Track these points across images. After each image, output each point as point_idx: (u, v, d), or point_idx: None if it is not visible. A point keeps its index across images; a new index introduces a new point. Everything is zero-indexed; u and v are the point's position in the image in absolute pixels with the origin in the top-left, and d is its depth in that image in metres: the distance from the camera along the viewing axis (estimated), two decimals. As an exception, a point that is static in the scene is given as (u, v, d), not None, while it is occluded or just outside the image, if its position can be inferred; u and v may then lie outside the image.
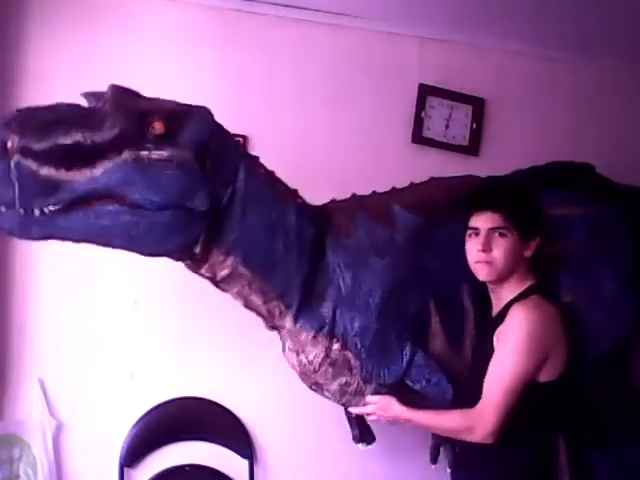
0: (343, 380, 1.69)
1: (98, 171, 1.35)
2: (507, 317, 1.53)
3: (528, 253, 1.59)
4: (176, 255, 1.55)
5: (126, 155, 1.37)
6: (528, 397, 1.49)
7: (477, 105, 2.43)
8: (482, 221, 1.58)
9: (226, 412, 2.25)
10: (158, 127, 1.39)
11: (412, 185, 1.89)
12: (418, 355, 1.66)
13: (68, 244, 1.42)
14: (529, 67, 2.47)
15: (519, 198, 1.62)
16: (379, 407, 1.67)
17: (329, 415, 2.12)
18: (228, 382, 2.25)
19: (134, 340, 2.21)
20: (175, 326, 2.22)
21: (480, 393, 1.51)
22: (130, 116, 1.38)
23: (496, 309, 1.62)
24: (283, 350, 1.76)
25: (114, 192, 1.37)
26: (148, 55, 2.22)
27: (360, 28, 2.36)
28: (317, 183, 2.25)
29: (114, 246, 1.44)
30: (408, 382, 1.67)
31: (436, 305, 1.69)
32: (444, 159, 2.39)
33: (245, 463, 2.24)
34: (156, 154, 1.39)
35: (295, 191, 1.69)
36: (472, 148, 2.43)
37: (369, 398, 1.69)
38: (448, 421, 1.56)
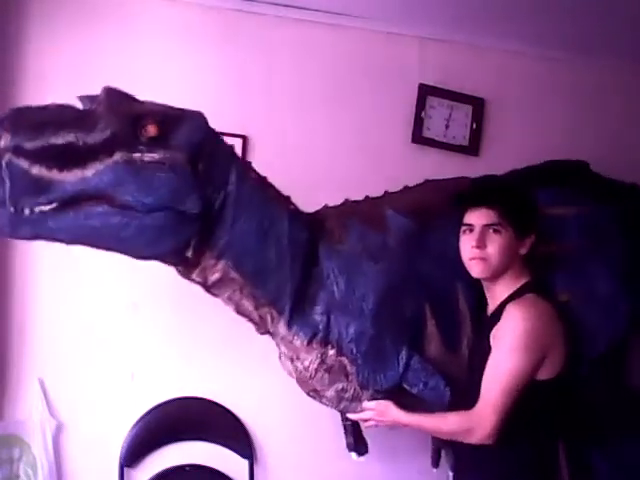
0: (340, 386, 1.68)
1: (89, 172, 1.35)
2: (502, 316, 1.52)
3: (523, 250, 1.58)
4: (168, 259, 1.54)
5: (118, 156, 1.37)
6: (527, 396, 1.48)
7: (477, 105, 2.43)
8: (476, 217, 1.57)
9: (226, 412, 2.25)
10: (151, 130, 1.40)
11: (405, 188, 1.88)
12: (414, 359, 1.65)
13: (68, 244, 1.42)
14: (529, 67, 2.47)
15: (514, 195, 1.61)
16: (377, 412, 1.66)
17: (329, 415, 2.11)
18: (228, 382, 2.25)
19: (134, 340, 2.21)
20: (175, 326, 2.22)
21: (478, 394, 1.51)
22: (123, 118, 1.39)
23: (491, 307, 1.61)
24: (279, 357, 1.76)
25: (105, 193, 1.36)
26: (148, 55, 2.22)
27: (360, 28, 2.36)
28: (317, 183, 2.27)
29: (104, 248, 1.44)
30: (405, 386, 1.66)
31: (431, 308, 1.68)
32: (444, 159, 2.39)
33: (245, 463, 2.24)
34: (148, 156, 1.39)
35: (288, 197, 1.68)
36: (472, 148, 2.42)
37: (366, 404, 1.68)
38: (446, 424, 1.55)
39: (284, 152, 2.30)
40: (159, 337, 2.22)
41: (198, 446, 2.23)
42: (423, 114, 2.39)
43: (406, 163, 2.36)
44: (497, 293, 1.59)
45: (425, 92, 2.40)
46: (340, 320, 1.64)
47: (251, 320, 1.66)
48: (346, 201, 1.83)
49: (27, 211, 1.31)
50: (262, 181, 1.64)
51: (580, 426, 1.75)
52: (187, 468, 2.21)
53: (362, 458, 1.94)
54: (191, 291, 1.66)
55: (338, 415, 1.99)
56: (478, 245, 1.55)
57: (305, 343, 1.65)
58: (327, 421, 2.19)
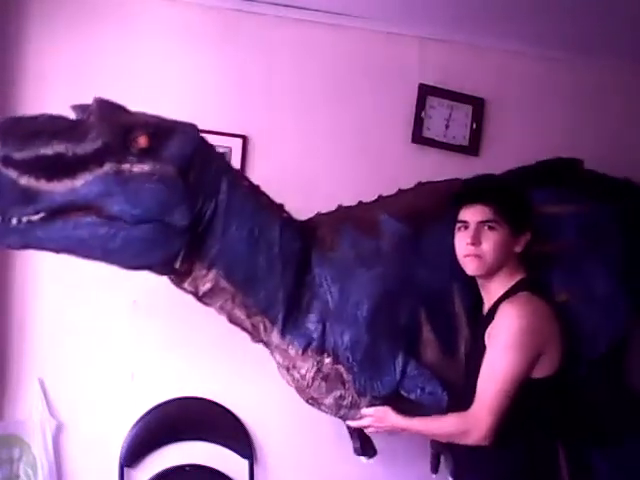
0: (337, 394, 1.68)
1: (78, 182, 1.35)
2: (497, 315, 1.51)
3: (518, 248, 1.57)
4: (157, 270, 1.54)
5: (107, 167, 1.37)
6: (522, 394, 1.47)
7: (477, 105, 2.43)
8: (471, 214, 1.56)
9: (226, 412, 2.25)
10: (142, 141, 1.39)
11: (399, 192, 1.86)
12: (411, 365, 1.64)
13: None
14: (529, 67, 2.47)
15: (509, 192, 1.60)
16: (375, 419, 1.65)
17: (329, 416, 2.11)
18: (228, 382, 2.25)
19: (134, 340, 2.21)
20: (175, 326, 2.22)
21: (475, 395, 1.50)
22: (115, 129, 1.39)
23: (487, 305, 1.60)
24: (278, 367, 1.75)
25: (94, 204, 1.36)
26: (148, 55, 2.22)
27: (360, 28, 2.36)
28: (317, 183, 2.27)
29: (93, 258, 1.44)
30: (403, 392, 1.65)
31: (427, 313, 1.67)
32: (444, 159, 2.39)
33: (245, 463, 2.24)
34: (138, 167, 1.39)
35: (281, 205, 1.67)
36: (472, 148, 2.43)
37: (364, 411, 1.67)
38: (444, 426, 1.55)
39: (284, 152, 2.30)
40: (159, 337, 2.22)
41: (198, 446, 2.23)
42: (423, 114, 2.39)
43: (406, 163, 2.36)
44: (492, 291, 1.58)
45: (425, 92, 2.40)
46: (335, 328, 1.63)
47: (244, 329, 1.66)
48: (339, 207, 1.82)
49: (15, 221, 1.31)
50: (254, 189, 1.63)
51: (580, 426, 1.75)
52: (187, 468, 2.21)
53: (372, 460, 1.95)
54: (191, 291, 1.66)
55: (338, 415, 2.00)
56: (473, 242, 1.53)
57: (300, 352, 1.64)
58: (327, 421, 2.18)
